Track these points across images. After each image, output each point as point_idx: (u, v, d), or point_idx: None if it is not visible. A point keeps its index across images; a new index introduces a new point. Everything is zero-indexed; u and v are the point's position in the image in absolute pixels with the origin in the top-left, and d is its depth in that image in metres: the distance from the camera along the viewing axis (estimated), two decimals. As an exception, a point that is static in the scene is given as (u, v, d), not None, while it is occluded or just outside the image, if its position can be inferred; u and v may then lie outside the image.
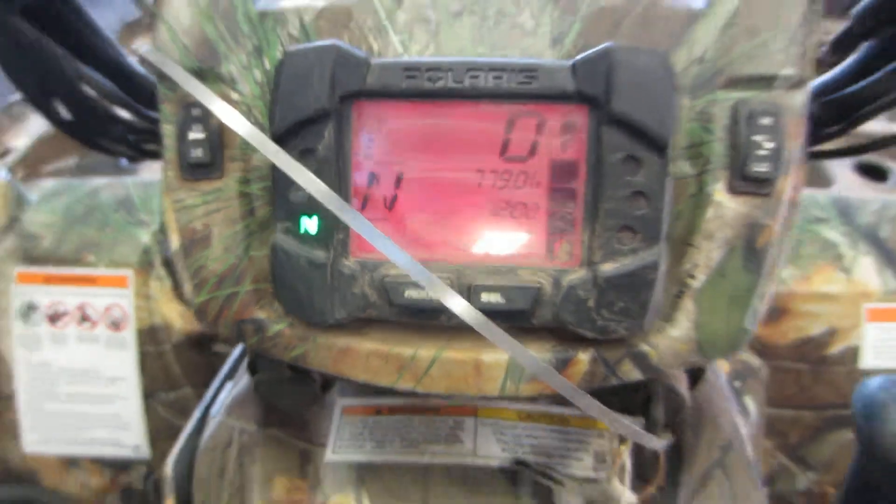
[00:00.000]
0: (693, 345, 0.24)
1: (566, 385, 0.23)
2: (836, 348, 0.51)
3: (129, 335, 0.60)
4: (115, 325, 0.61)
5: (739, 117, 0.23)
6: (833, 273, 0.51)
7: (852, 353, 0.51)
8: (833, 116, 0.31)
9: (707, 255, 0.24)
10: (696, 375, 0.35)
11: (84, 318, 0.61)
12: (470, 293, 0.24)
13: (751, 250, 0.24)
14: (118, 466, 0.63)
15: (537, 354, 0.24)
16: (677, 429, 0.31)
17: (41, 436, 0.63)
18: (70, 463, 0.63)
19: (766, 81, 0.23)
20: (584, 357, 0.25)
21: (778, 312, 0.50)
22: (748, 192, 0.23)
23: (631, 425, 0.25)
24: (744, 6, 0.23)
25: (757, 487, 0.32)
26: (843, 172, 0.65)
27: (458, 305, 0.23)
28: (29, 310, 0.63)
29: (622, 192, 0.23)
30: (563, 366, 0.25)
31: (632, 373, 0.25)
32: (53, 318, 0.62)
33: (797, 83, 0.23)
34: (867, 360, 0.51)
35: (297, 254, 0.24)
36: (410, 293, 0.24)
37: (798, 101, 0.23)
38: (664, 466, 0.31)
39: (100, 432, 0.62)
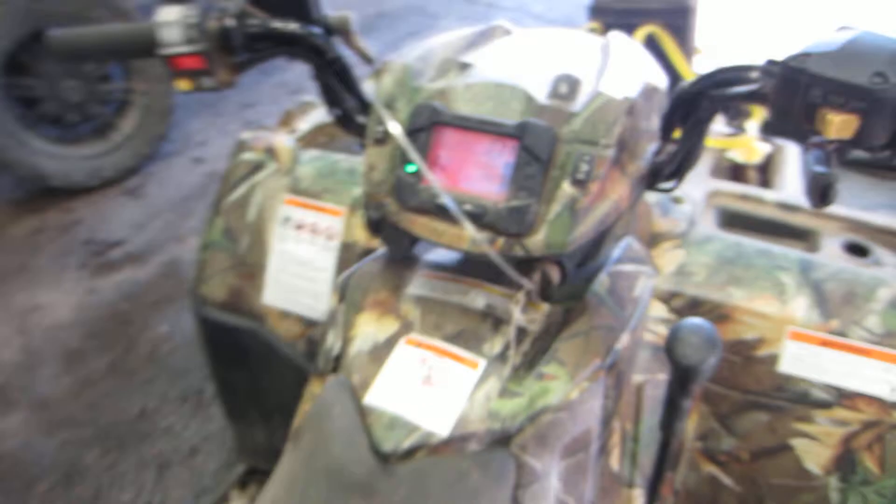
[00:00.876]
0: (544, 243, 0.52)
1: (492, 251, 0.53)
2: (761, 352, 0.71)
3: (335, 245, 0.99)
4: (329, 238, 1.01)
5: (580, 155, 0.52)
6: (773, 300, 0.72)
7: (773, 358, 0.70)
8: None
9: (556, 207, 0.52)
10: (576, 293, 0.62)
11: (313, 230, 1.02)
12: (461, 203, 0.55)
13: (573, 209, 0.51)
14: (310, 323, 1.02)
15: (480, 235, 0.54)
16: (550, 299, 0.58)
17: (273, 294, 1.05)
18: (284, 314, 1.03)
19: (593, 143, 0.51)
20: (500, 239, 0.54)
21: (724, 318, 0.72)
22: (576, 186, 0.51)
23: (513, 271, 0.53)
24: (594, 115, 0.52)
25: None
26: (831, 246, 0.82)
27: (451, 205, 0.54)
28: (285, 220, 1.06)
29: (527, 174, 0.52)
30: (491, 242, 0.54)
31: (519, 251, 0.53)
32: (298, 227, 1.04)
33: (607, 146, 0.51)
34: (783, 366, 0.70)
35: (405, 179, 0.57)
36: (440, 201, 0.56)
37: (608, 153, 0.51)
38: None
39: (305, 299, 1.02)
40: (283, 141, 1.07)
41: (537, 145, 0.52)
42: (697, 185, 0.92)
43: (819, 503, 0.71)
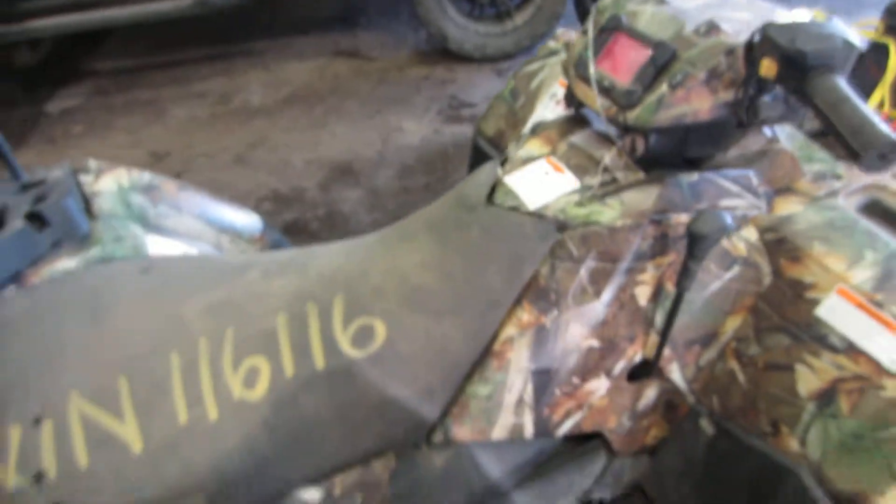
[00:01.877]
0: (636, 117, 0.77)
1: (605, 113, 0.82)
2: (810, 294, 0.84)
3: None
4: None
5: (681, 69, 0.75)
6: (843, 262, 0.83)
7: (816, 302, 0.83)
8: None
9: (652, 97, 0.77)
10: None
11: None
12: (601, 80, 0.83)
13: (661, 101, 0.75)
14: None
15: (603, 101, 0.82)
16: (634, 160, 0.83)
17: (522, 145, 1.44)
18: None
19: (693, 66, 0.74)
20: (615, 108, 0.80)
21: (796, 259, 0.86)
22: (669, 87, 0.76)
23: (612, 128, 0.82)
24: (705, 49, 0.74)
25: None
26: None
27: (593, 77, 0.83)
28: (552, 95, 1.40)
29: (645, 73, 0.78)
30: (608, 108, 0.81)
31: (621, 119, 0.79)
32: (557, 102, 1.39)
33: (702, 70, 0.73)
34: (820, 311, 0.82)
35: (583, 57, 0.87)
36: (590, 73, 0.85)
37: (700, 74, 0.73)
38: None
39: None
40: (575, 37, 1.39)
41: (659, 57, 0.78)
42: (867, 175, 0.99)
43: (792, 418, 0.85)
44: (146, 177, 1.14)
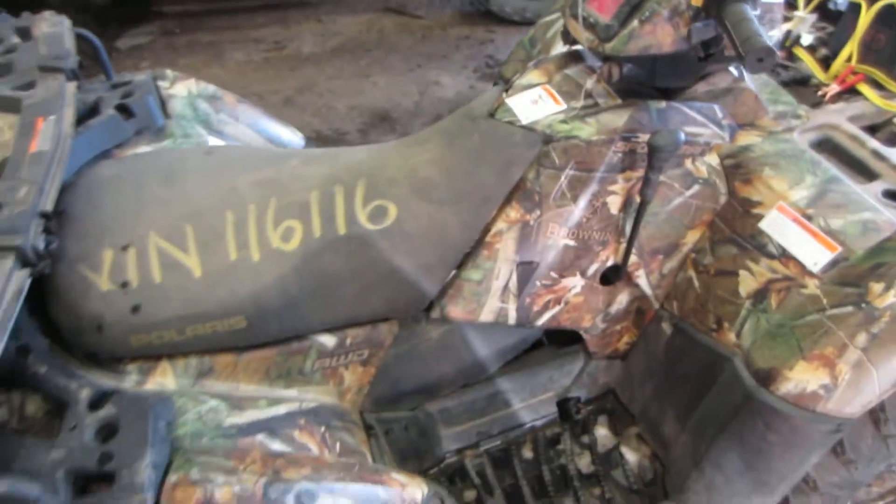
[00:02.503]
0: (611, 47, 0.92)
1: (587, 44, 0.98)
2: (756, 210, 0.99)
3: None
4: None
5: (649, 7, 0.91)
6: (786, 183, 0.98)
7: (760, 217, 0.99)
8: None
9: (625, 31, 0.93)
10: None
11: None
12: (588, 16, 0.99)
13: (632, 34, 0.90)
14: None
15: (587, 34, 0.98)
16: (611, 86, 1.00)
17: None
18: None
19: (660, 4, 0.90)
20: (596, 41, 0.94)
21: (748, 181, 1.01)
22: (639, 23, 0.92)
23: (592, 58, 0.99)
24: None
25: None
26: (877, 186, 0.98)
27: (579, 12, 1.00)
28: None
29: (622, 11, 0.94)
30: (591, 41, 0.96)
31: (600, 49, 0.95)
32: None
33: (665, 9, 0.89)
34: (763, 224, 0.98)
35: None
36: (578, 10, 1.01)
37: (663, 11, 0.89)
38: None
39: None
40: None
41: None
42: (827, 116, 1.13)
43: (732, 315, 1.01)
44: (211, 88, 1.34)
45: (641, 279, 1.14)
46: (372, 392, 1.08)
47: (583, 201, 1.03)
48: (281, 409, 0.90)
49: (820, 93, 1.20)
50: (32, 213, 0.73)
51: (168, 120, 1.24)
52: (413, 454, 1.19)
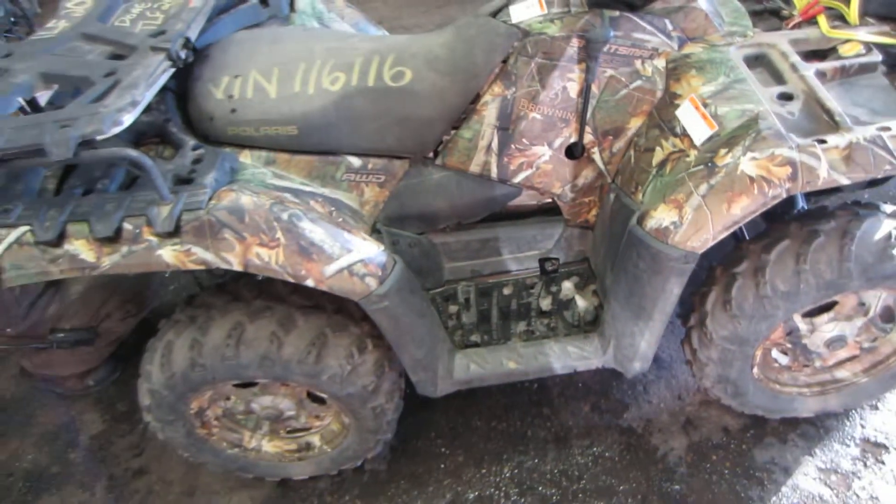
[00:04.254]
0: None
1: None
2: (676, 101, 1.27)
3: None
4: None
5: None
6: (701, 83, 1.24)
7: (676, 106, 1.26)
8: None
9: None
10: None
11: None
12: None
13: None
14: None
15: None
16: None
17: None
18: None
19: None
20: None
21: (678, 79, 1.28)
22: None
23: None
24: None
25: None
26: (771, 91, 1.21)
27: None
28: None
29: None
30: None
31: None
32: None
33: None
34: (678, 111, 1.26)
35: None
36: None
37: None
38: None
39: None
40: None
41: None
42: (770, 37, 1.33)
43: (644, 180, 1.28)
44: (328, -6, 1.85)
45: (596, 156, 1.46)
46: (385, 210, 1.53)
47: (547, 84, 1.38)
48: (309, 188, 1.39)
49: (785, 22, 1.41)
50: (180, 35, 1.26)
51: (293, 13, 1.76)
52: (416, 270, 1.63)
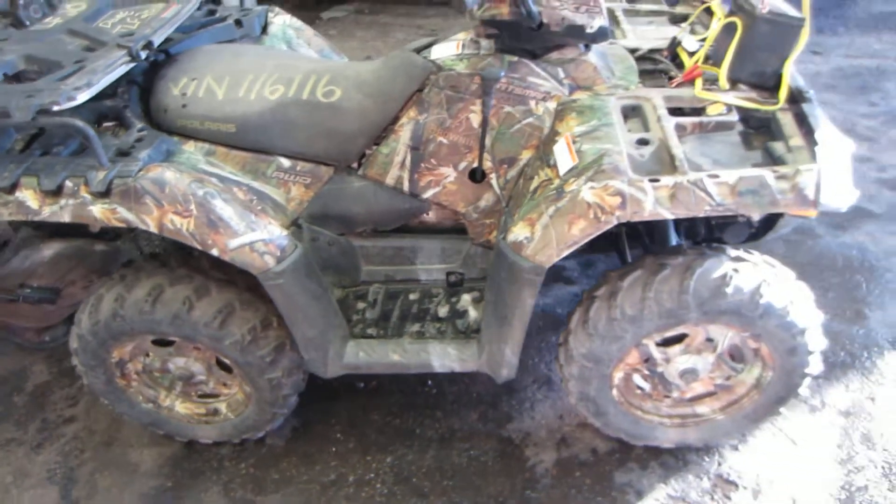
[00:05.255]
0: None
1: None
2: (553, 138, 1.49)
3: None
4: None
5: None
6: (574, 125, 1.46)
7: (553, 139, 1.48)
8: None
9: None
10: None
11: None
12: None
13: None
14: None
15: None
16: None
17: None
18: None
19: None
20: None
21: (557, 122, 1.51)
22: None
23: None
24: None
25: None
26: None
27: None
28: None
29: None
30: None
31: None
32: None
33: None
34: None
35: None
36: None
37: None
38: None
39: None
40: None
41: None
42: (648, 92, 1.53)
43: (522, 204, 1.49)
44: (298, 23, 2.12)
45: (494, 181, 1.67)
46: (309, 208, 1.75)
47: (453, 113, 1.60)
48: (236, 178, 1.62)
49: (670, 81, 1.63)
50: (143, 38, 1.51)
51: (265, 35, 2.03)
52: (333, 268, 1.83)
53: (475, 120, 1.60)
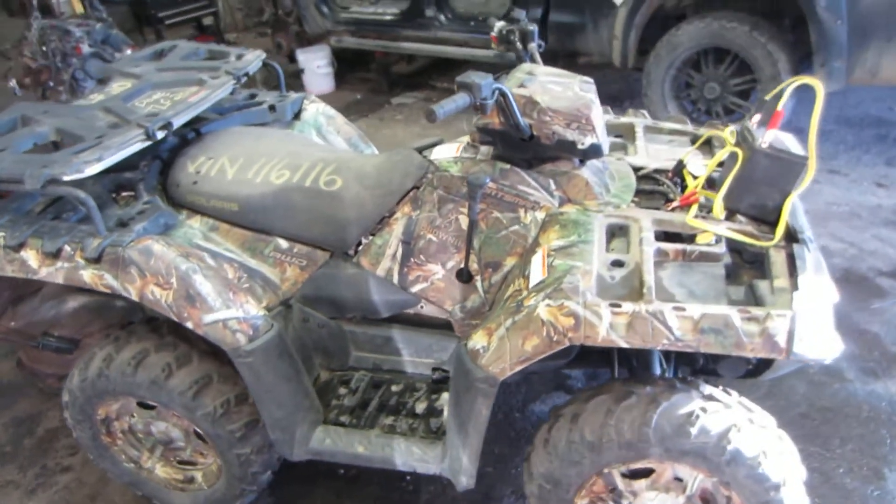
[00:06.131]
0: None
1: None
2: (536, 247, 1.45)
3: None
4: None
5: None
6: (564, 240, 1.43)
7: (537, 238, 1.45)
8: None
9: None
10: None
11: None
12: None
13: None
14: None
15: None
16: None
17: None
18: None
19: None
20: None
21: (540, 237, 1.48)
22: None
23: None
24: None
25: None
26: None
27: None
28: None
29: None
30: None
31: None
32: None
33: None
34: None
35: None
36: None
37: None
38: None
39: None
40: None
41: None
42: (638, 213, 1.47)
43: (496, 308, 1.46)
44: (332, 111, 2.24)
45: (479, 283, 1.66)
46: (302, 289, 1.79)
47: (444, 213, 1.62)
48: (230, 254, 1.69)
49: (665, 204, 1.58)
50: (163, 119, 1.64)
51: (297, 120, 2.16)
52: (322, 350, 1.85)
53: (464, 221, 1.60)
